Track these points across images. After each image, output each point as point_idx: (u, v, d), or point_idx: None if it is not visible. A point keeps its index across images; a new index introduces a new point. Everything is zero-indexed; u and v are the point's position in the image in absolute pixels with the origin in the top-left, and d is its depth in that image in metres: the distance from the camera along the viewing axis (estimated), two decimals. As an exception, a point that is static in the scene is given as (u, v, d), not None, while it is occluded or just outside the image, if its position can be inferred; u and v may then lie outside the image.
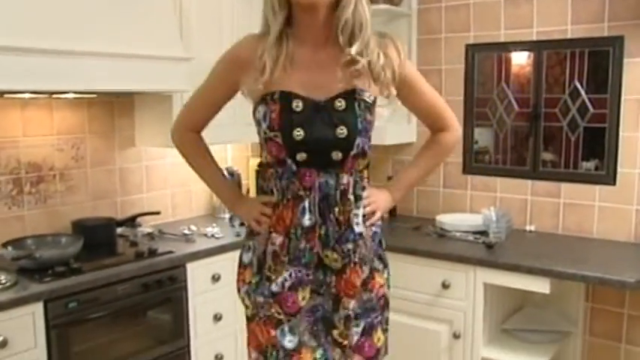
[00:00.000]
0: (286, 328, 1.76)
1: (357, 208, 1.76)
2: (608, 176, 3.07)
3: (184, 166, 3.38)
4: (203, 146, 1.99)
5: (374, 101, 1.75)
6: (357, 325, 1.79)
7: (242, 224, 3.14)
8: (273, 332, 1.76)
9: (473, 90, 3.48)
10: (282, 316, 1.75)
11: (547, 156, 3.30)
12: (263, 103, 1.72)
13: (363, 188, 1.78)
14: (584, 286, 3.07)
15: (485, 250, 2.84)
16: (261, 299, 1.77)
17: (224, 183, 2.06)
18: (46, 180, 2.93)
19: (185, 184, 3.53)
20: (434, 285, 2.85)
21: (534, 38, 3.24)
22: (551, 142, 3.28)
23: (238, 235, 3.06)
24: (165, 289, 2.69)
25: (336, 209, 1.72)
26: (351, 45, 1.68)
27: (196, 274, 2.82)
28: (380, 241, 1.85)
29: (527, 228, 3.27)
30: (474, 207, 3.42)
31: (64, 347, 2.36)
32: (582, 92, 3.13)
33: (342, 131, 1.68)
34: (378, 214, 1.83)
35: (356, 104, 1.70)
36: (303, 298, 1.75)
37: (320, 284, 1.76)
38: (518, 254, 2.78)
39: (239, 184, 3.55)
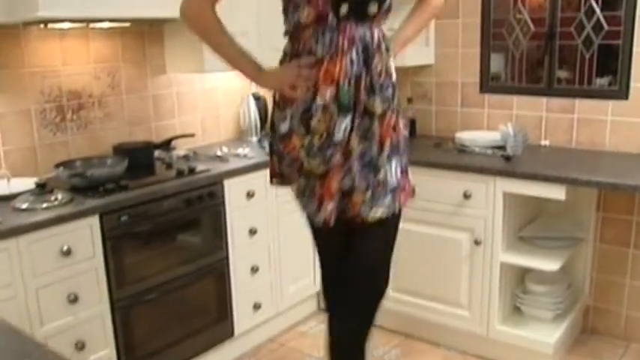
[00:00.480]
0: (343, 172, 1.92)
1: (389, 57, 1.94)
2: (621, 91, 3.20)
3: (213, 91, 3.56)
4: (215, 18, 1.97)
5: None
6: (390, 164, 1.95)
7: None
8: (339, 177, 1.91)
9: (489, 12, 3.57)
10: (343, 160, 1.91)
11: (562, 74, 3.42)
12: None
13: (386, 39, 1.96)
14: (596, 196, 3.25)
15: (503, 162, 3.00)
16: (329, 151, 1.89)
17: (242, 54, 2.01)
18: (85, 107, 3.10)
19: (214, 108, 3.68)
20: (456, 196, 3.04)
21: (550, -43, 3.31)
22: (566, 61, 3.39)
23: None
24: (205, 205, 2.89)
25: (376, 59, 1.88)
26: None
27: (232, 190, 3.01)
28: (394, 86, 2.01)
29: (542, 143, 3.42)
30: (491, 125, 3.57)
31: (118, 257, 2.58)
32: (597, 10, 3.22)
33: None
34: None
35: None
36: (353, 141, 1.90)
37: (367, 130, 1.91)
38: (534, 165, 2.95)
39: (265, 110, 3.70)
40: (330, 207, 1.94)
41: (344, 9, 1.82)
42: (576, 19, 3.30)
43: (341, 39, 1.84)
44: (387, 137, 1.93)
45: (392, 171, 1.96)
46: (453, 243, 3.09)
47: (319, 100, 1.86)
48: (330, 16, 1.82)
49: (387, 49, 1.93)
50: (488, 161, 3.05)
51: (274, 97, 2.04)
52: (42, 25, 2.74)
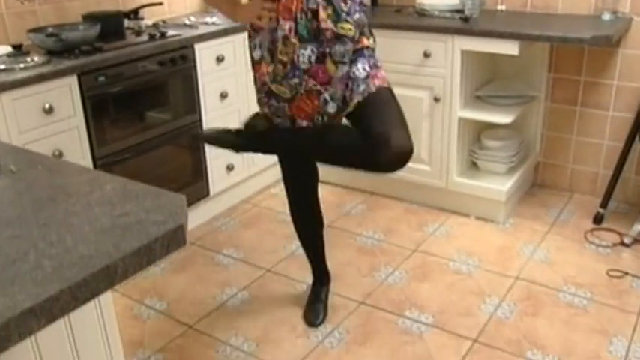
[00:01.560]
0: (327, 97, 2.09)
1: None
2: (573, -47, 3.33)
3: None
4: None
5: None
6: (357, 65, 2.09)
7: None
8: (316, 102, 2.10)
9: None
10: (319, 87, 2.08)
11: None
12: None
13: None
14: (547, 56, 3.44)
15: (461, 23, 3.15)
16: (296, 80, 2.08)
17: None
18: (51, -25, 3.10)
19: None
20: (416, 55, 3.19)
21: None
22: None
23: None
24: (178, 68, 3.00)
25: None
26: None
27: (203, 54, 3.12)
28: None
29: (499, 7, 3.55)
30: (451, -10, 3.67)
31: (98, 117, 2.70)
32: None
33: None
34: None
35: None
36: (329, 68, 2.06)
37: (342, 55, 2.05)
38: (491, 24, 3.10)
39: None
40: (303, 124, 2.16)
41: None
42: None
43: None
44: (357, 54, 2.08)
45: (358, 68, 2.08)
46: (414, 101, 3.27)
47: (279, 32, 2.04)
48: None
49: None
50: (446, 22, 3.19)
51: (249, 26, 2.18)
52: None
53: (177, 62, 2.98)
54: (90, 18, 3.09)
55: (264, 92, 2.20)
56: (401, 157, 2.01)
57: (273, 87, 2.14)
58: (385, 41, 3.07)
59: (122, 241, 1.05)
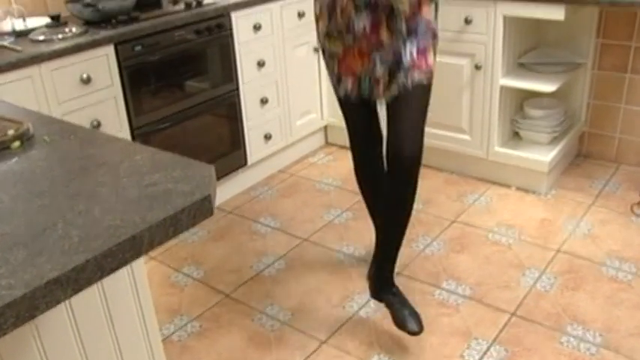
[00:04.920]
0: (377, 57, 2.08)
1: None
2: None
3: None
4: None
5: None
6: (406, 46, 2.09)
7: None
8: (366, 60, 2.10)
9: None
10: (372, 48, 2.08)
11: None
12: None
13: None
14: (596, 20, 3.30)
15: (504, -13, 3.04)
16: (349, 36, 2.08)
17: None
18: (88, -56, 3.10)
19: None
20: (456, 21, 3.10)
21: None
22: None
23: (273, -11, 3.28)
24: (214, 36, 2.98)
25: None
26: None
27: (240, 22, 3.09)
28: None
29: (545, -29, 3.43)
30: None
31: (135, 87, 2.72)
32: None
33: None
34: None
35: None
36: (383, 35, 2.05)
37: (394, 28, 2.05)
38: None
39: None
40: (348, 83, 2.17)
41: None
42: None
43: None
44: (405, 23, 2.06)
45: (406, 52, 2.07)
46: (455, 69, 3.19)
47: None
48: None
49: None
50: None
51: None
52: None
53: (214, 31, 2.96)
54: (126, -13, 3.08)
55: (320, 46, 2.25)
56: (407, 169, 2.13)
57: (327, 44, 2.17)
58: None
59: (149, 211, 1.04)
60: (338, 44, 2.13)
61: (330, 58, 2.20)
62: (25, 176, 1.22)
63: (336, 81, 2.22)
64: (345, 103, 2.28)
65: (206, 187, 1.11)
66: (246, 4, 3.09)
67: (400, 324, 2.24)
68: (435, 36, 2.16)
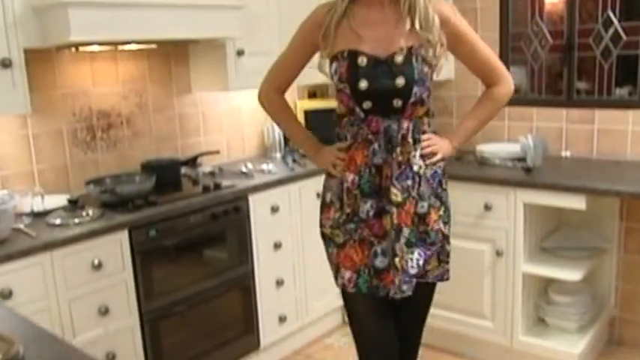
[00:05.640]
0: (378, 250, 2.01)
1: (416, 149, 2.00)
2: (640, 100, 3.23)
3: (238, 109, 3.67)
4: (286, 105, 2.28)
5: (431, 56, 1.96)
6: (412, 253, 2.01)
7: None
8: (367, 252, 2.03)
9: (507, 26, 3.62)
10: (372, 239, 2.02)
11: (581, 85, 3.45)
12: (335, 60, 1.99)
13: (423, 132, 2.02)
14: (618, 205, 3.25)
15: (523, 174, 3.03)
16: (352, 225, 2.03)
17: (306, 136, 2.30)
18: (114, 126, 3.20)
19: (238, 125, 3.77)
20: (477, 207, 3.07)
21: (567, -29, 3.36)
22: (585, 72, 3.43)
23: (292, 170, 3.31)
24: (231, 219, 2.97)
25: (398, 150, 1.96)
26: (410, 14, 1.93)
27: (257, 205, 3.09)
28: (440, 181, 2.07)
29: (563, 154, 3.44)
30: (512, 136, 3.60)
31: (147, 271, 2.66)
32: (615, 21, 3.25)
33: (400, 81, 1.92)
34: (438, 156, 2.06)
35: (413, 58, 1.93)
36: (387, 224, 1.99)
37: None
38: (555, 175, 2.98)
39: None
40: (347, 275, 2.07)
41: (367, 105, 1.95)
42: (594, 30, 3.34)
43: (366, 130, 1.98)
44: (405, 226, 1.99)
45: (413, 261, 2.02)
46: (475, 254, 3.12)
47: (345, 184, 2.03)
48: (357, 110, 1.97)
49: (416, 141, 1.99)
50: (508, 173, 3.08)
51: (325, 171, 2.20)
52: (73, 49, 2.86)
53: (231, 214, 2.95)
54: (148, 167, 3.13)
55: (327, 232, 2.15)
56: None
57: (329, 231, 2.10)
58: (443, 193, 2.98)
59: None
60: (338, 232, 2.07)
61: (328, 246, 2.14)
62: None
63: (334, 272, 2.13)
64: (347, 298, 2.17)
65: None
66: (265, 187, 3.11)
67: None
68: (447, 240, 2.10)
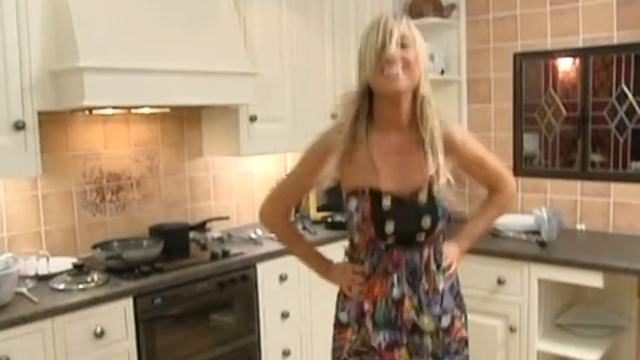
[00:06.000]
0: None
1: (439, 275, 1.92)
2: (658, 175, 3.19)
3: (248, 174, 3.65)
4: (290, 225, 2.24)
5: (447, 185, 1.89)
6: None
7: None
8: None
9: (521, 96, 3.63)
10: None
11: (596, 157, 3.42)
12: (354, 196, 1.89)
13: (441, 254, 1.94)
14: (636, 281, 3.16)
15: (538, 248, 2.97)
16: (363, 355, 1.93)
17: (313, 255, 2.20)
18: (124, 189, 3.18)
19: (249, 190, 3.74)
20: (489, 281, 3.00)
21: (580, 45, 3.38)
22: (600, 144, 3.40)
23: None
24: (238, 288, 2.90)
25: (423, 280, 1.90)
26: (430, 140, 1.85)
27: (266, 273, 3.03)
28: (457, 291, 2.01)
29: (578, 227, 3.38)
30: (525, 208, 3.55)
31: (151, 339, 2.59)
32: (629, 95, 3.24)
33: (426, 222, 1.85)
34: (453, 266, 2.00)
35: (434, 192, 1.86)
36: (400, 357, 1.91)
37: (419, 346, 1.91)
38: (570, 251, 2.91)
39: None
40: None
41: (390, 240, 1.89)
42: (608, 103, 3.33)
43: (386, 261, 1.90)
44: (440, 349, 1.93)
45: None
46: (488, 330, 3.03)
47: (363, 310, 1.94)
48: (379, 241, 1.90)
49: (439, 267, 1.93)
50: (522, 246, 3.02)
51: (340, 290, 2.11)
52: (87, 111, 2.86)
53: (238, 282, 2.89)
54: (156, 231, 3.09)
55: (335, 355, 2.05)
56: None
57: (345, 354, 1.98)
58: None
59: None
60: (353, 359, 1.97)
61: None
62: None
63: None
64: None
65: None
66: (274, 255, 3.05)
67: None
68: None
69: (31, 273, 2.66)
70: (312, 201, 3.74)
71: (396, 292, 1.89)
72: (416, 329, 1.90)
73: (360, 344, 1.94)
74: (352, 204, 1.89)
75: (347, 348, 1.98)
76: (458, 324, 1.97)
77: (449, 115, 3.74)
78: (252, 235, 3.28)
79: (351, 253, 2.01)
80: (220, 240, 3.26)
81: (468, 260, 3.01)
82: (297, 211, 3.70)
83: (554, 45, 3.48)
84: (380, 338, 1.91)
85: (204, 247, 3.11)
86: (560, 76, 3.53)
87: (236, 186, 3.70)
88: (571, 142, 3.51)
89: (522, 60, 3.61)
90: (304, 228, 3.44)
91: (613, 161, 3.34)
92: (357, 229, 1.91)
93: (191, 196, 3.48)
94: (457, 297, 2.00)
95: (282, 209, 2.15)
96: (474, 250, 2.99)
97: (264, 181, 3.78)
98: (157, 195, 3.32)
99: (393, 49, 1.76)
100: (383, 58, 1.77)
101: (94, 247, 2.82)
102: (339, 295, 2.06)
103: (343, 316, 2.01)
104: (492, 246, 3.09)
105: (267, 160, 3.71)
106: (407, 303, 1.89)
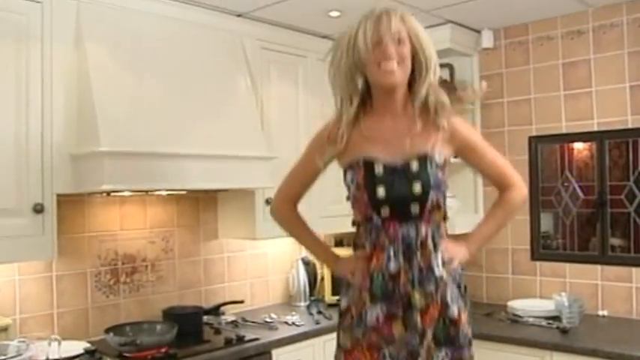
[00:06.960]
0: (386, 353, 1.92)
1: (436, 255, 1.94)
2: (680, 260, 3.13)
3: (263, 257, 3.62)
4: (300, 220, 2.25)
5: (444, 162, 1.97)
6: (440, 351, 1.90)
7: (319, 312, 3.31)
8: (375, 355, 1.93)
9: (537, 179, 3.62)
10: (382, 342, 1.92)
11: (615, 241, 3.37)
12: (350, 169, 1.99)
13: (440, 237, 1.96)
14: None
15: (559, 335, 2.89)
16: (358, 330, 1.95)
17: (322, 249, 2.29)
18: (139, 270, 3.17)
19: (264, 273, 3.72)
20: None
21: (595, 129, 3.39)
22: (619, 228, 3.36)
23: (317, 322, 3.21)
24: (251, 375, 2.83)
25: (418, 255, 1.91)
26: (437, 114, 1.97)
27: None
28: (459, 285, 1.99)
29: (600, 313, 3.30)
30: (544, 292, 3.48)
31: None
32: (647, 178, 3.23)
33: (417, 187, 1.91)
34: (455, 262, 1.99)
35: (428, 164, 1.93)
36: (396, 329, 1.91)
37: (410, 321, 1.91)
38: (594, 339, 2.82)
39: (314, 275, 3.73)
40: None
41: (385, 212, 1.94)
42: (626, 187, 3.31)
43: (383, 236, 1.95)
44: (428, 329, 1.92)
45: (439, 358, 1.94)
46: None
47: (356, 287, 1.99)
48: (375, 217, 1.95)
49: (436, 246, 1.95)
50: (543, 334, 2.94)
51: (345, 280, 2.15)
52: (105, 193, 2.88)
53: (252, 369, 2.82)
54: (170, 315, 3.05)
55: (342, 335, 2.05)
56: None
57: (351, 333, 1.98)
58: (475, 352, 2.83)
59: None
60: (346, 335, 1.99)
61: (338, 351, 2.03)
62: None
63: None
64: None
65: None
66: (289, 341, 2.99)
67: None
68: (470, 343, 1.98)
69: (42, 358, 2.61)
70: (327, 284, 3.69)
71: (392, 266, 1.92)
72: (410, 304, 1.91)
73: (353, 322, 1.96)
74: (349, 177, 1.99)
75: (346, 325, 2.00)
76: (464, 317, 1.96)
77: (464, 197, 3.74)
78: (267, 319, 3.23)
79: (356, 241, 2.05)
80: (234, 324, 3.21)
81: (485, 347, 2.96)
82: (311, 293, 3.66)
83: (569, 129, 3.49)
84: (377, 311, 1.92)
85: (217, 331, 3.06)
86: (576, 158, 3.53)
87: (250, 267, 3.67)
88: (587, 223, 3.48)
89: (538, 143, 3.63)
90: (319, 312, 3.38)
91: (634, 245, 3.29)
92: (355, 202, 1.98)
93: (205, 278, 3.45)
94: (460, 287, 1.98)
95: (290, 199, 2.22)
96: (493, 337, 2.96)
97: (278, 263, 3.76)
98: (171, 277, 3.30)
99: (391, 46, 1.89)
100: (380, 54, 1.89)
101: (107, 330, 2.77)
102: (344, 286, 2.08)
103: (344, 302, 2.04)
104: (511, 333, 3.00)
105: (281, 242, 3.69)
106: (403, 277, 1.90)
